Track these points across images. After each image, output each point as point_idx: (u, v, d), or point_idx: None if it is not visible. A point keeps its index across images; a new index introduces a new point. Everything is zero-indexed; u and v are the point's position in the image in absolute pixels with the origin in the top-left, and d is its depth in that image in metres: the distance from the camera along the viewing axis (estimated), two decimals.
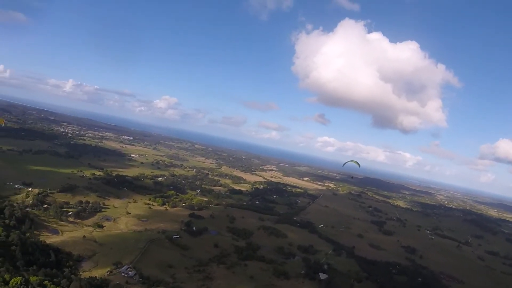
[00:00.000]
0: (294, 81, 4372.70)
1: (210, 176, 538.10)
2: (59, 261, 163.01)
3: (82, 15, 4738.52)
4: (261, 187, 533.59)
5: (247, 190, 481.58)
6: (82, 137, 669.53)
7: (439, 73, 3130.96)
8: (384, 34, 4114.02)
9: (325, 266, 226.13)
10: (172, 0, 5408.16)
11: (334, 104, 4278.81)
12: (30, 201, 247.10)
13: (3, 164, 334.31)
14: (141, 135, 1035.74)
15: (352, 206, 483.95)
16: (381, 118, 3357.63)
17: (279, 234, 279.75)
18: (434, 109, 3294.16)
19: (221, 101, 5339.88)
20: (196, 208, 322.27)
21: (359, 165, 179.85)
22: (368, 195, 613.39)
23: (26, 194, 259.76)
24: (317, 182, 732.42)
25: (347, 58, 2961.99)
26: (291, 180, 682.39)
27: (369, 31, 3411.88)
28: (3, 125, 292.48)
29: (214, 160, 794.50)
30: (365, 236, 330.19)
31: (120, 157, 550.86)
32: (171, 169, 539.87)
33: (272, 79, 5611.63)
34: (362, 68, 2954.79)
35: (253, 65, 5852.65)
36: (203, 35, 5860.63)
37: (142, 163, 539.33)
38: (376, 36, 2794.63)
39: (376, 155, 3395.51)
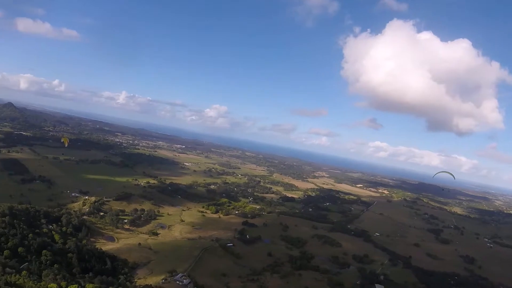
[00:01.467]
0: (344, 86, 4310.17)
1: (262, 184, 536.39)
2: (115, 268, 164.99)
3: (133, 31, 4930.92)
4: (314, 194, 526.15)
5: (299, 198, 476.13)
6: (136, 147, 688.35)
7: (493, 71, 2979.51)
8: (434, 33, 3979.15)
9: (381, 277, 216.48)
10: (219, 11, 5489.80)
11: (385, 108, 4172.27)
12: (87, 209, 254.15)
13: (61, 173, 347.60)
14: (193, 144, 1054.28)
15: (407, 214, 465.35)
16: (435, 121, 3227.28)
17: (333, 243, 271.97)
18: (490, 110, 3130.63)
19: (270, 108, 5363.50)
20: (249, 216, 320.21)
21: (454, 177, 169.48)
22: (424, 201, 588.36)
23: (83, 202, 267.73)
24: (370, 188, 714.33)
25: (397, 60, 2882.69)
26: (343, 187, 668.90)
27: (419, 31, 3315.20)
28: (66, 145, 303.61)
29: (266, 167, 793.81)
30: (421, 245, 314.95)
31: (173, 165, 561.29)
32: (223, 176, 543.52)
33: (321, 85, 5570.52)
34: (413, 70, 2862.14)
35: (302, 72, 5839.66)
36: (251, 44, 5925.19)
37: (194, 171, 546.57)
38: (426, 35, 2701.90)
39: (430, 159, 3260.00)
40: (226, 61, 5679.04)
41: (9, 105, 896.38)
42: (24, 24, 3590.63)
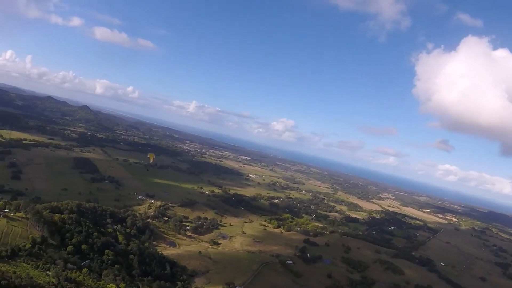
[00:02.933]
0: (415, 105, 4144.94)
1: (325, 201, 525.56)
2: (174, 274, 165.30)
3: (204, 43, 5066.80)
4: (378, 216, 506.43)
5: (363, 219, 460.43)
6: (203, 155, 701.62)
7: None
8: (511, 50, 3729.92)
9: None
10: (290, 24, 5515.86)
11: (457, 130, 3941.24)
12: (152, 213, 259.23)
13: (129, 175, 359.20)
14: (259, 156, 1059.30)
15: (475, 244, 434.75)
16: (509, 146, 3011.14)
17: (396, 270, 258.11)
18: None
19: (337, 124, 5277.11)
20: (311, 234, 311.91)
21: None
22: (493, 232, 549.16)
23: (149, 205, 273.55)
24: (438, 214, 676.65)
25: (471, 78, 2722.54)
26: (409, 211, 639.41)
27: (495, 48, 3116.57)
28: (151, 161, 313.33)
29: (330, 185, 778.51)
30: (488, 280, 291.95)
31: (238, 176, 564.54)
32: (287, 191, 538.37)
33: (391, 102, 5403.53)
34: (488, 89, 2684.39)
35: (371, 89, 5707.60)
36: (321, 60, 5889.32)
37: (258, 183, 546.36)
38: (503, 53, 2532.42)
39: (502, 186, 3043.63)
40: (295, 75, 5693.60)
41: (85, 107, 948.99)
42: (101, 33, 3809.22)
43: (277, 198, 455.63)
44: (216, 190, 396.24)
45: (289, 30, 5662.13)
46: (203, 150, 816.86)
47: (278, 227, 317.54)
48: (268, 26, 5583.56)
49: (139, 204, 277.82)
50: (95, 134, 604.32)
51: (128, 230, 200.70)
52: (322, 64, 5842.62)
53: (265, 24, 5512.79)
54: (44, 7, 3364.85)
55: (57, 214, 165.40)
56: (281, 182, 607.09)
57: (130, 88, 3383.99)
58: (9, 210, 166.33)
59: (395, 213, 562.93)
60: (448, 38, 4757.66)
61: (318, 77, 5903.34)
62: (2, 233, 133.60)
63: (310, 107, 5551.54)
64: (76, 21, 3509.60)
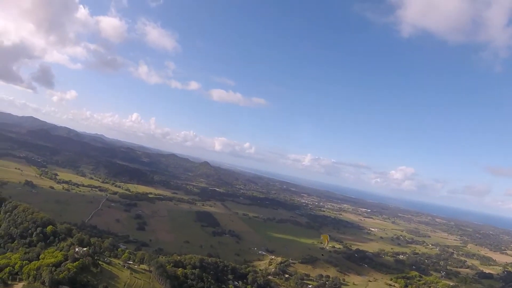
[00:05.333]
0: None
1: (455, 256, 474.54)
2: None
3: (315, 95, 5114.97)
4: None
5: (498, 274, 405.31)
6: (322, 209, 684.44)
7: None
8: None
9: None
10: (400, 73, 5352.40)
11: None
12: (273, 269, 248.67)
13: (249, 229, 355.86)
14: (378, 208, 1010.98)
15: None
16: None
17: None
18: None
19: (461, 168, 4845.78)
20: None
21: None
22: None
23: (269, 261, 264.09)
24: None
25: None
26: None
27: None
28: (326, 244, 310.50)
29: (458, 236, 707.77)
30: None
31: (359, 230, 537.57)
32: (412, 245, 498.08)
33: None
34: None
35: (495, 123, 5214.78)
36: (438, 101, 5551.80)
37: (381, 237, 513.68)
38: None
39: None
40: (412, 120, 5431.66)
41: (205, 163, 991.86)
42: (218, 94, 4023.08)
43: (402, 253, 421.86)
44: (337, 246, 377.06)
45: (399, 76, 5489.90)
46: (321, 203, 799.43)
47: (406, 286, 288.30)
48: (378, 73, 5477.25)
49: (259, 260, 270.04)
50: (216, 188, 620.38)
51: (249, 287, 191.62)
52: (440, 104, 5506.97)
53: (374, 72, 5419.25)
54: (164, 74, 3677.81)
55: (180, 269, 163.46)
56: (405, 236, 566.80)
57: (247, 144, 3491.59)
58: (133, 261, 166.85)
59: None
60: None
61: (436, 119, 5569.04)
62: (125, 285, 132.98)
63: (431, 152, 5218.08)
64: (193, 85, 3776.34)
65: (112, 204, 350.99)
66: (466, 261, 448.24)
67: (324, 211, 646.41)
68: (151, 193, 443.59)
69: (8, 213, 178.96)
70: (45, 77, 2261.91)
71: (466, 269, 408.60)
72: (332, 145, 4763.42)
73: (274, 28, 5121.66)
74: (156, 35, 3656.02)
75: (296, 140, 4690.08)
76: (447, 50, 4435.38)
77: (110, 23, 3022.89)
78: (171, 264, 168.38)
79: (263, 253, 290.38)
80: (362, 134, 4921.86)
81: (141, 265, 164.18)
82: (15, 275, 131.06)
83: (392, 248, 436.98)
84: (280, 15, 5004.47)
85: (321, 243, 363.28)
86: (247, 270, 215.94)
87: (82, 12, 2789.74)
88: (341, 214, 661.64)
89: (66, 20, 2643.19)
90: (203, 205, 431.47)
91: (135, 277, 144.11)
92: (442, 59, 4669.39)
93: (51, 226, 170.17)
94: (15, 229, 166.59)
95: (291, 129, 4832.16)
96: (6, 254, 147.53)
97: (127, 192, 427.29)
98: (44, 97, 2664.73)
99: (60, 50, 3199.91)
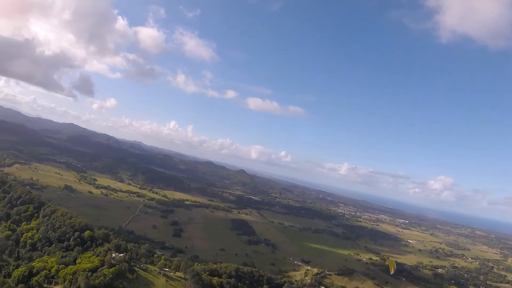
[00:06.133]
0: None
1: (495, 270, 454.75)
2: None
3: (352, 104, 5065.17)
4: None
5: None
6: (358, 219, 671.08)
7: None
8: None
9: None
10: (445, 83, 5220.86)
11: None
12: (308, 280, 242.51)
13: (285, 239, 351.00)
14: (417, 219, 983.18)
15: None
16: None
17: None
18: None
19: (503, 178, 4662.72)
20: None
21: None
22: None
23: (305, 272, 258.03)
24: None
25: None
26: None
27: None
28: (392, 270, 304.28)
29: (499, 250, 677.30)
30: None
31: (396, 242, 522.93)
32: (451, 259, 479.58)
33: None
34: None
35: None
36: (478, 107, 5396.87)
37: (419, 250, 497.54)
38: None
39: None
40: (451, 128, 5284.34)
41: (241, 171, 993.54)
42: (254, 103, 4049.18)
43: (441, 267, 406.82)
44: (374, 258, 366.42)
45: (438, 83, 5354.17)
46: (358, 213, 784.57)
47: None
48: (416, 81, 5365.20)
49: (294, 270, 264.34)
50: (252, 197, 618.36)
51: None
52: (481, 112, 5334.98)
53: (412, 80, 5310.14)
54: (201, 83, 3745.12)
55: (215, 278, 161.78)
56: (443, 249, 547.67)
57: (282, 153, 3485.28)
58: (169, 268, 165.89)
59: None
60: None
61: (477, 127, 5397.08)
62: None
63: (471, 162, 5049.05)
64: (230, 94, 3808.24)
65: (149, 210, 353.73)
66: (506, 276, 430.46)
67: (361, 222, 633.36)
68: (187, 200, 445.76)
69: (47, 217, 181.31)
70: (85, 86, 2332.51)
71: (506, 284, 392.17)
72: (370, 154, 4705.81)
73: (311, 37, 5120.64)
74: (194, 45, 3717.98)
75: (333, 149, 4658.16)
76: (488, 55, 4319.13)
77: (148, 34, 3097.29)
78: (207, 272, 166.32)
79: (299, 263, 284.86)
80: (400, 143, 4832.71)
81: (177, 272, 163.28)
82: (51, 279, 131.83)
83: (430, 261, 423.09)
84: (316, 24, 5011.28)
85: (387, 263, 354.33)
86: (282, 280, 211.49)
87: (121, 23, 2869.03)
88: (378, 225, 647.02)
89: (105, 31, 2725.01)
90: (239, 213, 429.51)
91: (171, 285, 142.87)
92: (482, 65, 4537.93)
93: (89, 231, 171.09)
94: (53, 233, 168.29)
95: (328, 137, 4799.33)
96: (43, 258, 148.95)
97: (164, 198, 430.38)
98: (84, 105, 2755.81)
99: (100, 60, 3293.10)
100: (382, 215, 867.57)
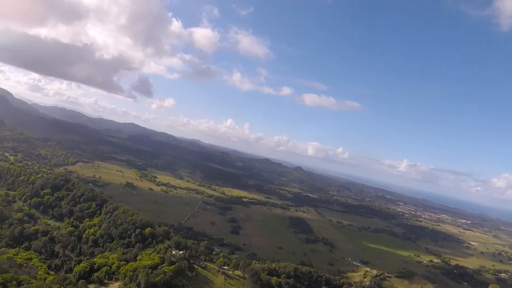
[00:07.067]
0: None
1: None
2: None
3: (412, 96, 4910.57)
4: None
5: None
6: (419, 218, 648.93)
7: None
8: None
9: None
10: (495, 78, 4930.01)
11: None
12: (367, 282, 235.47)
13: (343, 238, 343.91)
14: (479, 219, 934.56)
15: None
16: None
17: None
18: None
19: None
20: None
21: None
22: None
23: (364, 274, 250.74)
24: None
25: None
26: None
27: None
28: None
29: None
30: None
31: (458, 243, 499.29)
32: None
33: None
34: None
35: None
36: None
37: (482, 252, 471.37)
38: None
39: None
40: None
41: (298, 168, 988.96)
42: (310, 99, 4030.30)
43: (504, 271, 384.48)
44: (435, 260, 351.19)
45: (499, 73, 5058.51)
46: (418, 213, 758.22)
47: None
48: (475, 71, 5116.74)
49: (353, 271, 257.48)
50: (309, 194, 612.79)
51: None
52: None
53: (471, 70, 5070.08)
54: (256, 80, 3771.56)
55: (274, 277, 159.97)
56: (507, 252, 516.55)
57: (340, 149, 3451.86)
58: (228, 267, 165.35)
59: None
60: None
61: None
62: None
63: None
64: (286, 91, 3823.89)
65: (208, 207, 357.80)
66: None
67: (421, 222, 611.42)
68: (245, 197, 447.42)
69: (109, 214, 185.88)
70: (144, 87, 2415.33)
71: None
72: (430, 150, 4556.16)
73: (366, 29, 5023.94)
74: (248, 42, 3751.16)
75: (392, 145, 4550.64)
76: None
77: (202, 34, 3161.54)
78: (265, 271, 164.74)
79: (357, 264, 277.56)
80: (462, 139, 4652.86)
81: (235, 271, 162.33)
82: (111, 275, 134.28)
83: (493, 265, 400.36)
84: (371, 15, 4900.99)
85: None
86: (341, 281, 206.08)
87: (176, 25, 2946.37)
88: (439, 225, 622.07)
89: (161, 34, 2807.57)
90: (296, 210, 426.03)
91: (229, 283, 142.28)
92: None
93: (150, 228, 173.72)
94: (115, 229, 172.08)
95: (386, 133, 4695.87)
96: (104, 254, 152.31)
97: (222, 195, 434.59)
98: (144, 105, 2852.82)
99: (157, 62, 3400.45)
100: (443, 215, 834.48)
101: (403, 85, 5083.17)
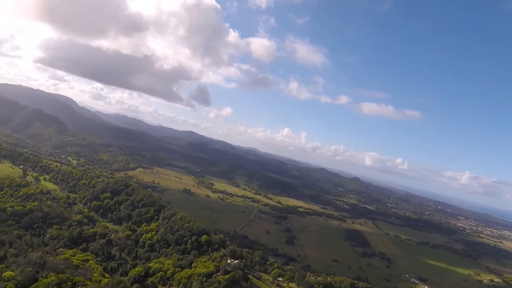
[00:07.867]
0: None
1: None
2: None
3: (475, 106, 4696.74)
4: None
5: None
6: (480, 234, 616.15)
7: None
8: None
9: None
10: None
11: None
12: None
13: (401, 253, 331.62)
14: None
15: None
16: None
17: None
18: None
19: None
20: None
21: None
22: None
23: None
24: None
25: None
26: None
27: None
28: None
29: None
30: None
31: None
32: None
33: None
34: None
35: None
36: None
37: None
38: None
39: None
40: None
41: (356, 179, 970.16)
42: (368, 108, 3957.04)
43: None
44: (496, 279, 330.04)
45: None
46: (479, 228, 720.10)
47: None
48: None
49: None
50: (366, 206, 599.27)
51: None
52: None
53: None
54: (313, 89, 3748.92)
55: None
56: None
57: (399, 160, 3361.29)
58: (283, 278, 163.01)
59: None
60: None
61: None
62: None
63: None
64: (343, 99, 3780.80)
65: (263, 216, 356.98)
66: None
67: (482, 238, 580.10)
68: (301, 207, 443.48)
69: (166, 220, 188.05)
70: (202, 96, 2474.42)
71: None
72: (493, 162, 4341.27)
73: (425, 34, 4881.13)
74: (305, 51, 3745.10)
75: (453, 156, 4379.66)
76: None
77: (259, 44, 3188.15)
78: (321, 285, 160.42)
79: (415, 281, 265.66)
80: None
81: (290, 283, 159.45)
82: (166, 280, 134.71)
83: None
84: (431, 20, 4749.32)
85: None
86: None
87: (233, 35, 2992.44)
88: (501, 242, 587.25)
89: (219, 44, 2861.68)
90: (353, 222, 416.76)
91: None
92: None
93: (206, 235, 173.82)
94: (171, 235, 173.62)
95: (447, 143, 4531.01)
96: (160, 259, 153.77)
97: (278, 204, 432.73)
98: (202, 113, 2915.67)
99: (215, 72, 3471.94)
100: (505, 231, 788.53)
101: (465, 93, 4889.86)
